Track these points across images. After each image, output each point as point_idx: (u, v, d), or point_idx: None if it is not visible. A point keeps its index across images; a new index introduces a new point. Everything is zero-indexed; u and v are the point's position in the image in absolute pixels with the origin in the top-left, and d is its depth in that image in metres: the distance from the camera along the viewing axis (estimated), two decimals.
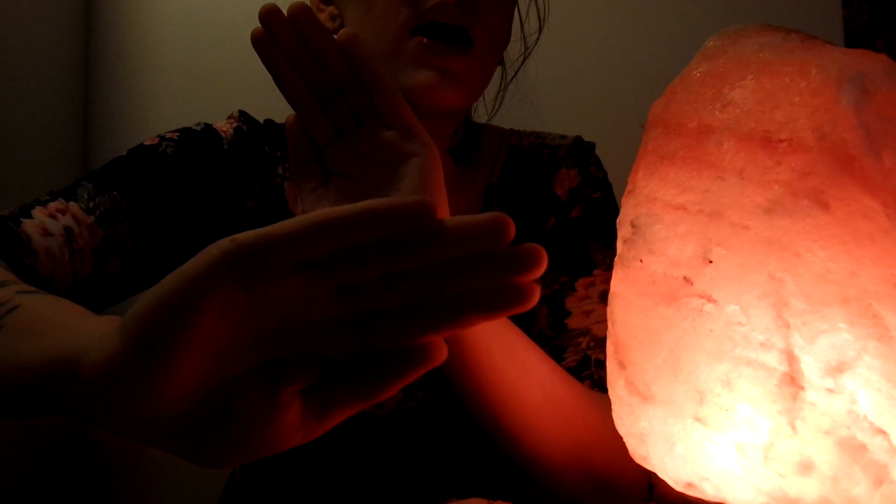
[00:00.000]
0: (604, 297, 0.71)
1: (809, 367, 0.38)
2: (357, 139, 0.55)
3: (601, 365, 0.67)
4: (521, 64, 0.86)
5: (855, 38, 1.00)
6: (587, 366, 0.67)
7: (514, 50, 0.87)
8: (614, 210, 0.77)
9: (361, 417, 0.73)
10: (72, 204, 0.65)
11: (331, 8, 0.75)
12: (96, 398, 0.34)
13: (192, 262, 0.31)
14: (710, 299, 0.40)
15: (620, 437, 0.47)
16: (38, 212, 0.63)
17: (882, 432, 0.37)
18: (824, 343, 0.37)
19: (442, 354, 0.33)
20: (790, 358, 0.38)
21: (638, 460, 0.45)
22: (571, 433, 0.60)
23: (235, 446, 0.34)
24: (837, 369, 0.37)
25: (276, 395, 0.33)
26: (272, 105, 0.92)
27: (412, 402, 0.73)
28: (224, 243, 0.31)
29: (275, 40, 0.51)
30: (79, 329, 0.37)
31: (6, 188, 1.05)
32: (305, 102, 0.54)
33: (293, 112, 0.55)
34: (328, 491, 0.75)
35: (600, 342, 0.68)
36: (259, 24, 0.52)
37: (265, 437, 0.34)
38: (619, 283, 0.46)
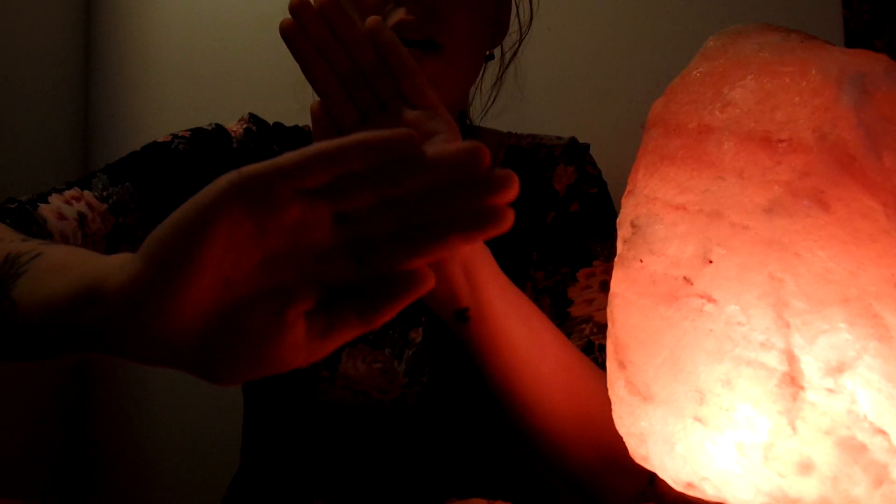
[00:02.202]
0: (604, 287, 0.74)
1: (809, 367, 0.38)
2: (381, 122, 0.56)
3: (604, 349, 0.68)
4: (513, 56, 0.88)
5: (855, 38, 1.00)
6: (591, 350, 0.69)
7: (521, 47, 0.87)
8: (610, 205, 0.80)
9: (366, 403, 0.74)
10: (86, 192, 0.69)
11: None
12: (119, 318, 0.37)
13: (204, 191, 0.35)
14: (710, 299, 0.40)
15: None
16: (54, 198, 0.67)
17: (882, 432, 0.37)
18: (824, 343, 0.37)
19: (430, 282, 0.36)
20: (790, 358, 0.38)
21: (638, 460, 0.45)
22: (584, 405, 0.61)
23: (244, 362, 0.37)
24: (837, 369, 0.37)
25: (281, 316, 0.36)
26: (272, 105, 0.93)
27: (416, 387, 0.74)
28: (232, 174, 0.34)
29: (304, 31, 0.54)
30: (101, 261, 0.40)
31: (6, 188, 1.05)
32: (332, 89, 0.56)
33: (317, 99, 0.57)
34: (334, 476, 0.76)
35: (603, 328, 0.70)
36: (283, 18, 0.54)
37: (271, 354, 0.37)
38: (619, 283, 0.46)
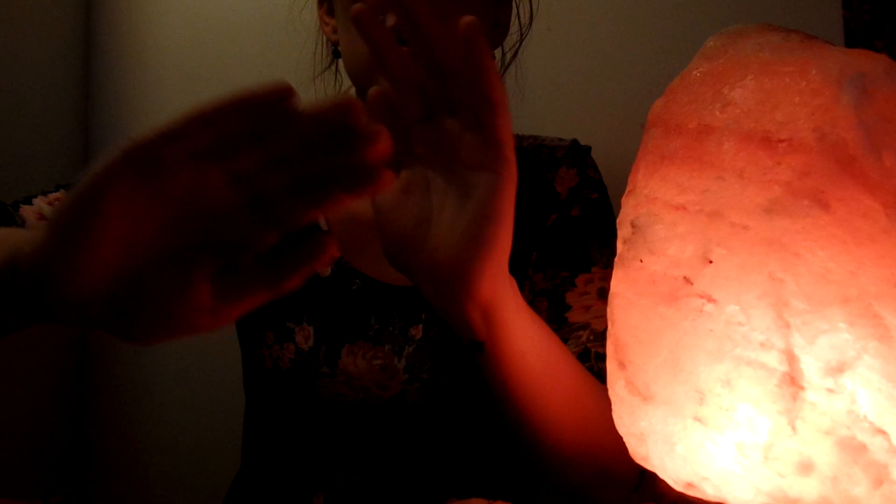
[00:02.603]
0: (602, 294, 0.74)
1: (809, 367, 0.38)
2: (444, 126, 0.52)
3: (600, 357, 0.69)
4: (513, 57, 0.88)
5: (855, 38, 1.00)
6: (587, 358, 0.70)
7: (521, 48, 0.87)
8: (610, 210, 0.80)
9: (366, 399, 0.74)
10: None
11: (334, 21, 0.77)
12: (33, 284, 0.39)
13: (98, 160, 0.37)
14: (710, 299, 0.40)
15: None
16: (38, 200, 0.69)
17: (882, 432, 0.37)
18: (824, 343, 0.37)
19: (332, 249, 0.39)
20: (790, 358, 0.38)
21: (638, 460, 0.45)
22: (589, 432, 0.61)
23: (153, 322, 0.40)
24: (837, 369, 0.37)
25: (185, 278, 0.39)
26: None
27: (416, 384, 0.75)
28: (122, 142, 0.37)
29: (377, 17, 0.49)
30: (18, 234, 0.43)
31: (6, 189, 1.05)
32: (403, 76, 0.51)
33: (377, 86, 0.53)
34: (334, 473, 0.76)
35: (599, 336, 0.71)
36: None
37: (178, 315, 0.39)
38: (619, 283, 0.46)
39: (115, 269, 0.38)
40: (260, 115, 0.36)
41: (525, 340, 0.57)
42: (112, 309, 0.39)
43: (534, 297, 0.77)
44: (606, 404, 0.50)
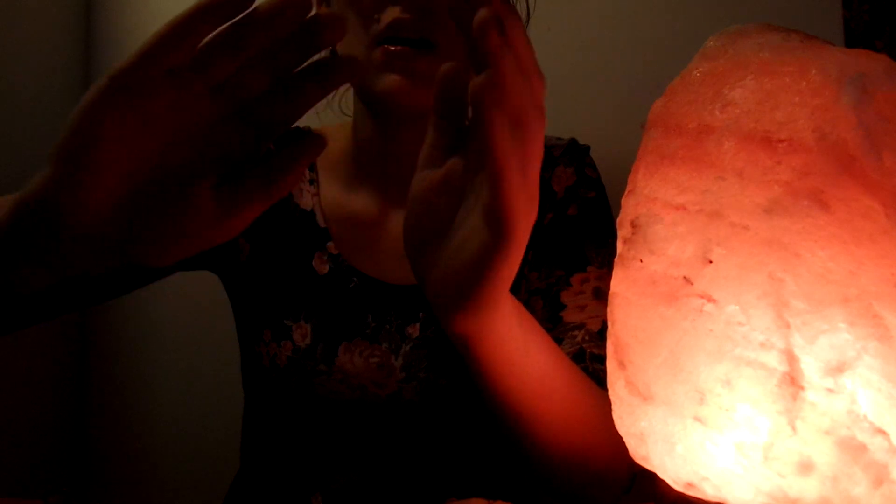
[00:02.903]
0: (597, 293, 0.74)
1: (809, 367, 0.38)
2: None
3: (595, 358, 0.69)
4: None
5: (855, 38, 1.00)
6: (583, 359, 0.69)
7: None
8: (608, 210, 0.80)
9: (363, 398, 0.74)
10: None
11: None
12: (44, 223, 0.41)
13: (87, 93, 0.39)
14: (710, 299, 0.40)
15: (618, 434, 0.47)
16: None
17: (882, 432, 0.37)
18: (824, 343, 0.37)
19: (322, 142, 0.41)
20: (790, 358, 0.38)
21: (638, 460, 0.45)
22: (584, 440, 0.60)
23: (163, 242, 0.42)
24: (837, 369, 0.37)
25: (187, 193, 0.41)
26: None
27: (413, 383, 0.75)
28: (108, 70, 0.40)
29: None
30: (23, 187, 0.44)
31: (6, 189, 1.05)
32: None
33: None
34: (332, 472, 0.76)
35: (594, 336, 0.70)
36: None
37: (187, 231, 0.41)
38: (619, 283, 0.46)
39: (118, 195, 0.40)
40: (225, 19, 0.39)
41: (513, 368, 0.53)
42: (121, 235, 0.41)
43: (529, 296, 0.77)
44: (603, 409, 0.50)
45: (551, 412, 0.58)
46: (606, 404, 0.47)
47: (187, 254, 0.42)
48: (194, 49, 0.40)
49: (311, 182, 0.82)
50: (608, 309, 0.47)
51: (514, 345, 0.52)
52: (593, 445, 0.60)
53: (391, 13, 0.68)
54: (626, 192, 0.47)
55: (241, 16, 0.39)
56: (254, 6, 0.40)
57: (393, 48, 0.69)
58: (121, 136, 0.39)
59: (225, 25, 0.40)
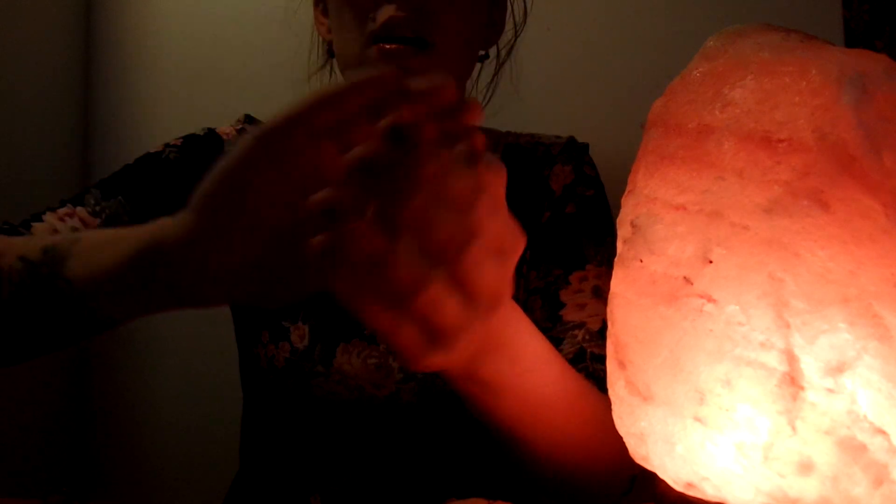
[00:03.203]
0: (596, 292, 0.73)
1: (809, 367, 0.38)
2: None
3: (595, 358, 0.68)
4: (507, 55, 0.88)
5: (855, 38, 1.00)
6: (583, 358, 0.69)
7: (516, 46, 0.87)
8: (606, 208, 0.79)
9: (361, 399, 0.74)
10: (79, 208, 0.71)
11: (328, 21, 0.78)
12: (184, 264, 0.43)
13: (235, 148, 0.42)
14: (710, 299, 0.40)
15: (618, 437, 0.46)
16: (48, 216, 0.70)
17: (882, 432, 0.37)
18: (824, 343, 0.37)
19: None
20: (790, 358, 0.38)
21: (638, 460, 0.45)
22: (580, 447, 0.59)
23: (285, 286, 0.44)
24: (837, 369, 0.37)
25: (298, 248, 0.41)
26: (272, 105, 0.93)
27: (411, 384, 0.74)
28: (255, 129, 0.42)
29: None
30: (150, 226, 0.46)
31: (6, 190, 1.05)
32: None
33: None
34: (331, 473, 0.76)
35: (595, 336, 0.70)
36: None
37: (293, 282, 0.44)
38: (619, 283, 0.46)
39: (253, 243, 0.43)
40: (373, 94, 0.40)
41: (510, 392, 0.52)
42: (254, 278, 0.44)
43: (527, 296, 0.76)
44: (602, 413, 0.49)
45: (550, 425, 0.57)
46: (606, 407, 0.47)
47: (294, 298, 0.45)
48: (338, 115, 0.41)
49: None
50: (608, 309, 0.47)
51: (511, 371, 0.51)
52: (592, 450, 0.60)
53: (386, 11, 0.68)
54: (625, 192, 0.47)
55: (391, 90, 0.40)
56: (400, 82, 0.40)
57: (388, 47, 0.69)
58: (262, 189, 0.42)
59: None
